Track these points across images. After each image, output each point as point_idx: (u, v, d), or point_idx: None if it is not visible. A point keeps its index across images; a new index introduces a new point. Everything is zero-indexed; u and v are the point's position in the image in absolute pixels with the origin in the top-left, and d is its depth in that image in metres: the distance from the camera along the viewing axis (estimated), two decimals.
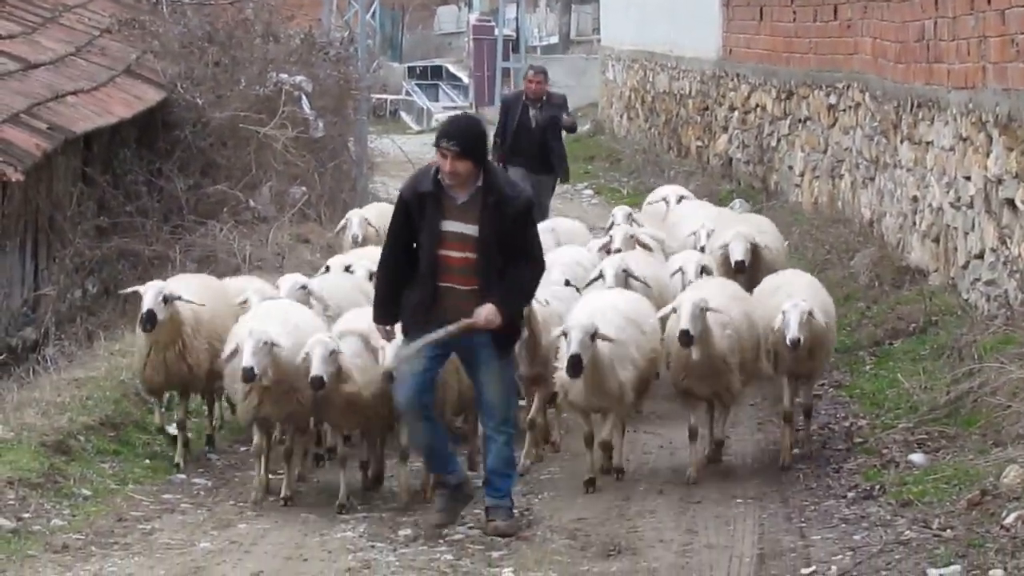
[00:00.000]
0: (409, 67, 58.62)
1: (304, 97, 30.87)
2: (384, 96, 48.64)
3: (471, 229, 13.11)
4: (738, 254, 17.72)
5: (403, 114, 52.52)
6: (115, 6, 30.41)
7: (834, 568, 13.27)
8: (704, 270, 17.39)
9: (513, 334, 13.69)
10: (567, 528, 14.29)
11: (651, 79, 40.62)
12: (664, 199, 22.88)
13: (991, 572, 12.17)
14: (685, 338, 15.13)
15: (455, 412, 15.36)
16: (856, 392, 18.55)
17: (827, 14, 27.47)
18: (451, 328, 13.09)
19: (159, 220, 26.39)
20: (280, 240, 26.31)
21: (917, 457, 15.24)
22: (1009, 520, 12.80)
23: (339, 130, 32.33)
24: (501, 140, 24.62)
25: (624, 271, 17.12)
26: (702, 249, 18.51)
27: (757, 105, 32.20)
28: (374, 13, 45.84)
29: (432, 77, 59.36)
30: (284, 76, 30.60)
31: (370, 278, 17.18)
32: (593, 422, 15.26)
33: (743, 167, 32.87)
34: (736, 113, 33.75)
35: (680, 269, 17.70)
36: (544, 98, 24.32)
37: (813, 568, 13.39)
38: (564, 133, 25.49)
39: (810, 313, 14.80)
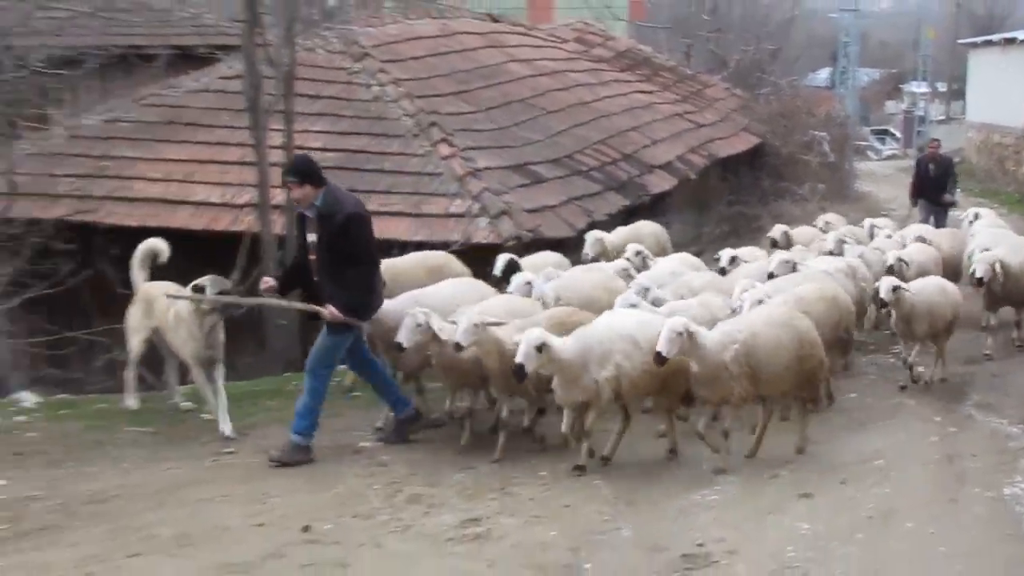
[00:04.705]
0: (872, 129, 58.06)
1: (824, 143, 31.42)
2: (861, 142, 46.90)
3: (314, 237, 9.93)
4: (979, 272, 13.70)
5: (869, 152, 51.06)
6: (735, 99, 30.44)
7: None
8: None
9: (352, 315, 9.96)
10: None
11: (990, 136, 39.22)
12: (966, 216, 18.82)
13: None
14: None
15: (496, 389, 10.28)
16: None
17: None
18: (304, 307, 10.20)
19: (757, 197, 27.21)
20: (810, 209, 25.74)
21: None
22: None
23: (840, 158, 32.39)
24: (914, 182, 22.03)
25: (900, 259, 14.00)
26: (891, 269, 13.66)
27: None
28: (856, 106, 46.45)
29: (883, 134, 58.36)
30: (815, 132, 31.55)
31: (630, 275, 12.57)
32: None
33: None
34: None
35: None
36: (937, 158, 21.80)
37: None
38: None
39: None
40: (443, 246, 14.34)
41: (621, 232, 15.33)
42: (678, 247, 17.56)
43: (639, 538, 8.35)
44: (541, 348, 9.14)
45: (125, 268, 11.95)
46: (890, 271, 13.62)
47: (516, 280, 11.58)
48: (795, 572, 7.65)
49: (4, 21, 13.84)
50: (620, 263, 12.66)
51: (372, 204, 15.25)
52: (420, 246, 14.11)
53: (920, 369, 12.71)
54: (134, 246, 11.59)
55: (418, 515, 8.77)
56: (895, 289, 12.20)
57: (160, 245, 11.49)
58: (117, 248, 14.43)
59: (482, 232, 15.22)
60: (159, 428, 10.73)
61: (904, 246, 15.61)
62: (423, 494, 9.21)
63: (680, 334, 9.27)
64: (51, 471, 9.73)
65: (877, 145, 55.60)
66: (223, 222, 15.53)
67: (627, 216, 17.82)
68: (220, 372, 10.66)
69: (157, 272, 11.53)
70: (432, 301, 10.66)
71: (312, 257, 10.04)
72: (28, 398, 11.89)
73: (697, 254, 16.00)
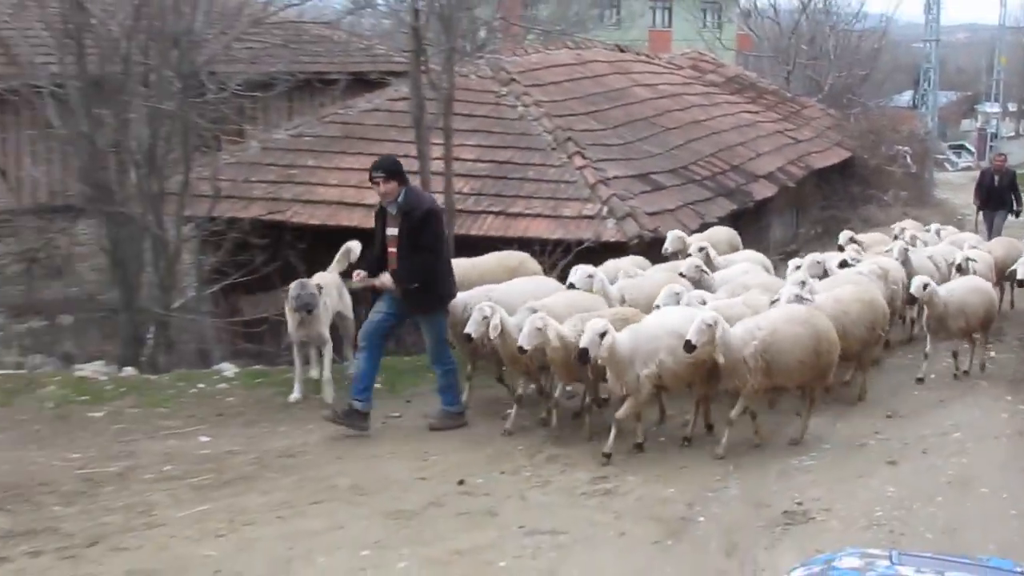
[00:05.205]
0: (949, 144, 57.01)
1: (907, 156, 31.02)
2: (939, 155, 45.88)
3: (395, 231, 9.56)
4: (1019, 274, 13.05)
5: (947, 164, 50.24)
6: (829, 118, 29.50)
7: None
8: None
9: (430, 307, 9.76)
10: None
11: None
12: None
13: None
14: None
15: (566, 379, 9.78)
16: None
17: None
18: (369, 283, 9.71)
19: (847, 203, 26.32)
20: (894, 214, 24.54)
21: None
22: None
23: (921, 169, 31.97)
24: (978, 193, 21.41)
25: (968, 258, 13.20)
26: (959, 268, 13.17)
27: None
28: (935, 124, 45.35)
29: (959, 148, 58.05)
30: (899, 147, 31.14)
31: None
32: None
33: None
34: None
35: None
36: (1003, 170, 21.22)
37: None
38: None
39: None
40: (577, 243, 14.43)
41: (699, 236, 14.70)
42: (778, 245, 17.58)
43: (746, 496, 8.31)
44: (603, 335, 8.74)
45: (309, 259, 12.12)
46: (959, 269, 13.16)
47: (577, 274, 10.79)
48: (883, 529, 7.58)
49: (209, 51, 13.98)
50: (694, 260, 11.95)
51: (517, 207, 15.77)
52: (558, 244, 14.23)
53: (961, 358, 12.27)
54: (317, 241, 11.73)
55: (556, 472, 8.79)
56: (926, 287, 11.56)
57: (353, 246, 11.51)
58: (302, 243, 14.72)
59: (610, 231, 15.28)
60: (337, 394, 10.64)
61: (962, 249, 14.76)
62: (560, 455, 9.21)
63: (710, 325, 8.84)
64: (248, 430, 9.87)
65: (953, 158, 54.89)
66: None
67: (734, 219, 17.67)
68: (327, 352, 10.62)
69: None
70: (503, 296, 10.30)
71: (391, 249, 9.70)
72: (228, 368, 12.02)
73: (794, 252, 15.98)
